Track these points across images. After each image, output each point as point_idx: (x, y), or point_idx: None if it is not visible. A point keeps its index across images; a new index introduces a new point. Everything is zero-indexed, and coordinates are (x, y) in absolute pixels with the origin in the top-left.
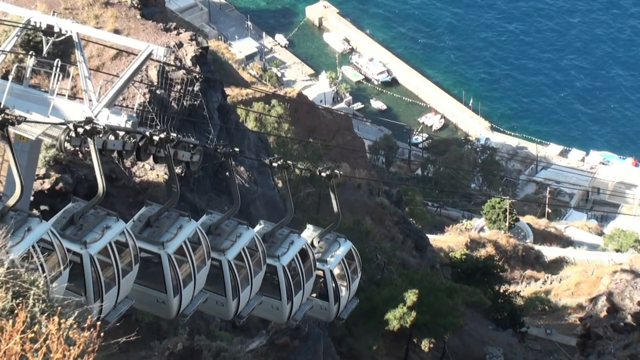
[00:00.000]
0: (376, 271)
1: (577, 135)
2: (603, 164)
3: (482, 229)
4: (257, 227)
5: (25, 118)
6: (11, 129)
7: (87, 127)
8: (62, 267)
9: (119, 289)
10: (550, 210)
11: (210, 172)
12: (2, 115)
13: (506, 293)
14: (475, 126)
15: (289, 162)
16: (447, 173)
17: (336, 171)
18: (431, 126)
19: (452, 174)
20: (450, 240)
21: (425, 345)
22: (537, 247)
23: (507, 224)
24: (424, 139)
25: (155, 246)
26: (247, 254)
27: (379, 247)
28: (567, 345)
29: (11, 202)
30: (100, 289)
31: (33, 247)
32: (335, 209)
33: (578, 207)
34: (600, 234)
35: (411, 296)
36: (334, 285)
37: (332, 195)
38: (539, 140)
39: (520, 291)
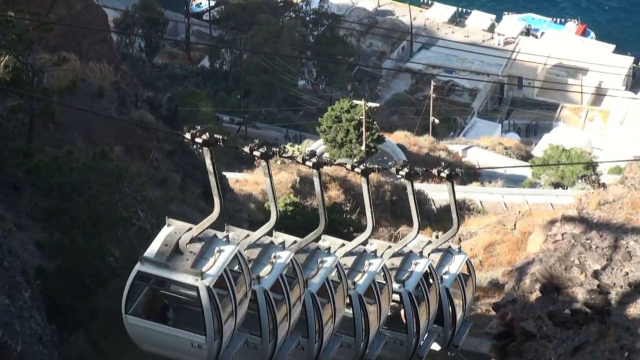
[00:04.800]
0: (139, 239)
1: None
2: (528, 33)
3: None
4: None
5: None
6: None
7: None
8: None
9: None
10: (438, 121)
11: None
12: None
13: None
14: None
15: None
16: (256, 63)
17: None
18: None
19: (264, 63)
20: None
21: None
22: (417, 185)
23: (362, 147)
24: (213, 3)
25: None
26: (376, 286)
27: (141, 197)
28: (474, 354)
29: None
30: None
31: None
32: (454, 218)
33: (486, 112)
34: (527, 157)
35: None
36: (450, 306)
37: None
38: None
39: None
